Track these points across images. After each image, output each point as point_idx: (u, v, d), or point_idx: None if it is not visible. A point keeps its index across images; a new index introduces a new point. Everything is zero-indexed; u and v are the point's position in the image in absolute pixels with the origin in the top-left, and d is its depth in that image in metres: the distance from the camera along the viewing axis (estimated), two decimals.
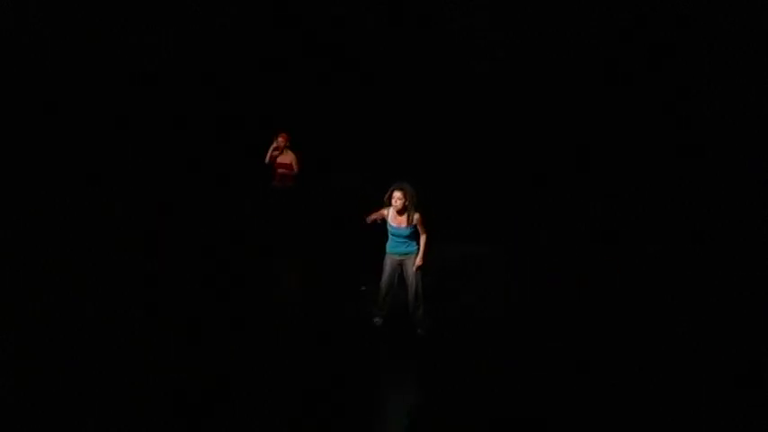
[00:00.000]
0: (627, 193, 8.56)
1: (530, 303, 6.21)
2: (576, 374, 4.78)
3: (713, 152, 8.18)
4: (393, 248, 5.50)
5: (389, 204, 5.36)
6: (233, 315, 5.81)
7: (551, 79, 9.24)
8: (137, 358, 4.86)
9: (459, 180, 9.44)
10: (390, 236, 5.47)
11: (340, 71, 9.65)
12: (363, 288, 6.43)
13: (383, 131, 9.62)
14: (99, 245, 7.58)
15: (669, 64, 8.53)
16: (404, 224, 5.38)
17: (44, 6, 8.61)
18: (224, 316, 5.76)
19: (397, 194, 5.30)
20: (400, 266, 5.48)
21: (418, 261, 5.40)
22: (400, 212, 5.35)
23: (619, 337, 5.37)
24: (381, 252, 5.55)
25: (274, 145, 8.40)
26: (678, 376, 4.72)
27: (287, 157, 8.32)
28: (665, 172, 8.40)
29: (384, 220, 5.43)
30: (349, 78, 9.67)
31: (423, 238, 5.42)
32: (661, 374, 4.74)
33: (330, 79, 9.66)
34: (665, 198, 8.30)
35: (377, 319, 5.64)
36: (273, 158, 8.39)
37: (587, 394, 4.51)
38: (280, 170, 8.34)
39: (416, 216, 5.34)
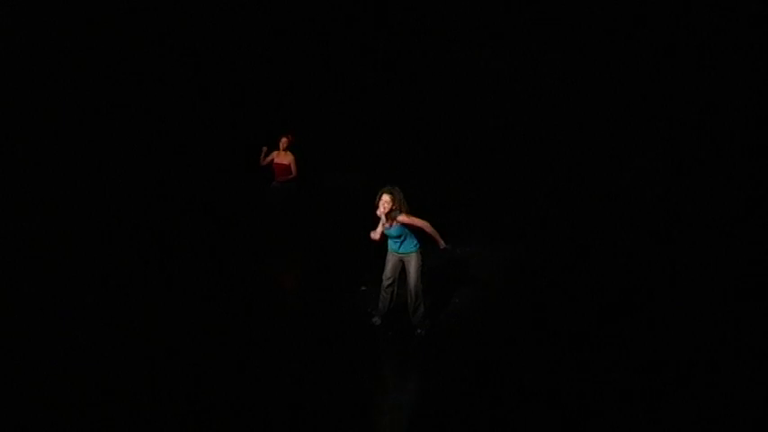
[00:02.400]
0: (627, 193, 8.58)
1: (530, 303, 6.21)
2: (576, 374, 4.78)
3: (713, 152, 8.20)
4: (391, 247, 5.51)
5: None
6: (233, 315, 5.81)
7: (551, 79, 9.27)
8: (137, 358, 4.86)
9: (458, 180, 9.45)
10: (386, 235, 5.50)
11: (340, 72, 9.68)
12: (363, 288, 6.44)
13: (382, 132, 9.64)
14: (99, 245, 7.59)
15: (669, 64, 8.55)
16: (390, 225, 5.36)
17: (44, 6, 8.61)
18: (224, 316, 5.77)
19: (385, 198, 5.25)
20: (401, 263, 5.47)
21: (440, 243, 5.29)
22: (387, 215, 5.34)
23: (619, 336, 5.37)
24: (381, 252, 5.56)
25: (268, 157, 8.33)
26: (678, 376, 4.73)
27: (285, 158, 8.28)
28: (664, 172, 8.41)
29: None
30: (349, 79, 9.69)
31: (427, 226, 5.32)
32: (661, 374, 4.74)
33: (330, 80, 9.68)
34: (665, 198, 8.32)
35: (376, 319, 5.66)
36: (270, 161, 8.34)
37: (587, 394, 4.52)
38: (279, 173, 8.30)
39: (400, 218, 5.29)
